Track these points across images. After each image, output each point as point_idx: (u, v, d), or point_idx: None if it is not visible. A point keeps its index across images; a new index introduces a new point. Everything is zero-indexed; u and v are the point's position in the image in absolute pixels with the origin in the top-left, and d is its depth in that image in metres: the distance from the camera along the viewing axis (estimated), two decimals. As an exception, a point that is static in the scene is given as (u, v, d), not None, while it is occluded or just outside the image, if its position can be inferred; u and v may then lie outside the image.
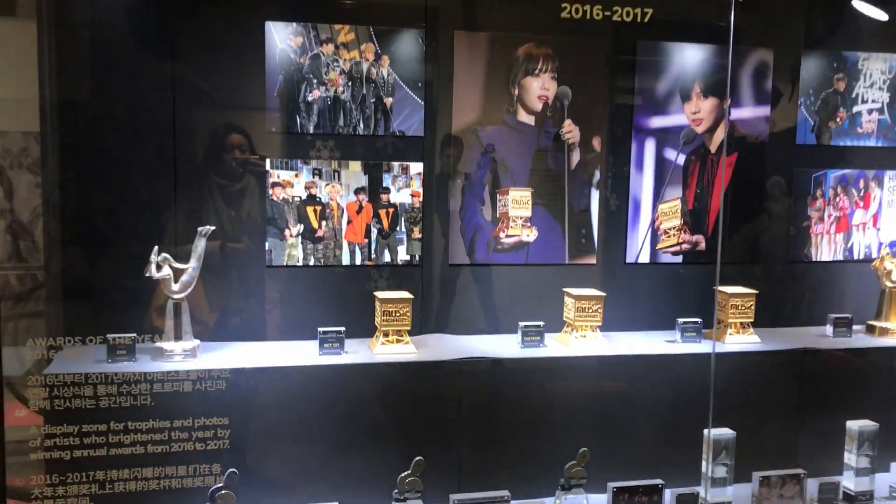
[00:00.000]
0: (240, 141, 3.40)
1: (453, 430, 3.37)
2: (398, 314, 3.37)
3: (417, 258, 3.59)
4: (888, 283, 3.86)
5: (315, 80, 3.41)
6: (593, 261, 3.81)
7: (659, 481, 3.28)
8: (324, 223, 3.48)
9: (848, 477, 3.45)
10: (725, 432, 3.32)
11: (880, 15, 3.71)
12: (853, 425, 3.44)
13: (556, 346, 3.56)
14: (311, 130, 3.43)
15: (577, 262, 3.78)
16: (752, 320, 3.71)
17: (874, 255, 3.99)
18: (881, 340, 3.81)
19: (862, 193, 4.06)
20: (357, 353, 3.33)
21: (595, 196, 3.78)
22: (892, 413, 3.70)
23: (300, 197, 3.44)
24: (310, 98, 3.41)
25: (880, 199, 4.08)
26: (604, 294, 3.58)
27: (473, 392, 3.40)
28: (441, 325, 3.66)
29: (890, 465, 3.52)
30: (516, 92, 3.64)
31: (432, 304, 3.66)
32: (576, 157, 3.74)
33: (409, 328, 3.39)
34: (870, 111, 4.01)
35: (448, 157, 3.60)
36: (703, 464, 3.33)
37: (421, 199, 3.57)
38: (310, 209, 3.47)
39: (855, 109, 4.00)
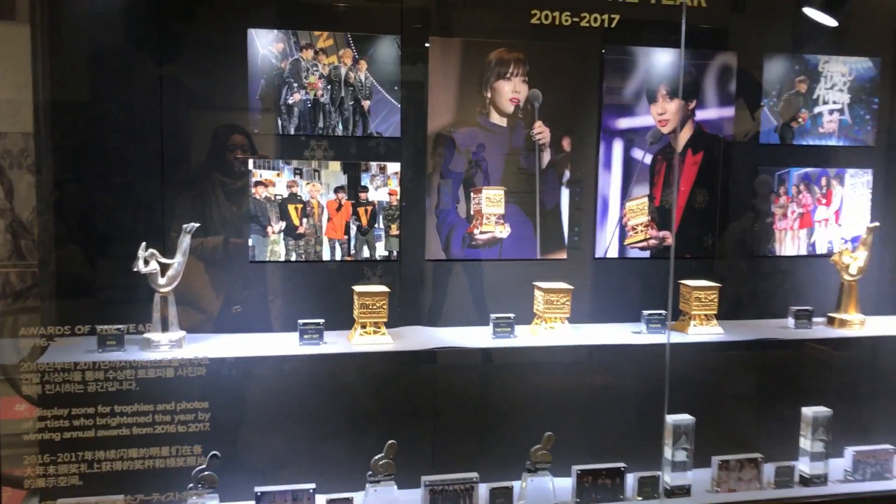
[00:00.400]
0: (228, 141, 3.58)
1: (427, 417, 3.55)
2: (375, 307, 3.55)
3: (395, 254, 3.76)
4: (846, 277, 4.03)
5: (296, 84, 3.59)
6: (564, 256, 3.98)
7: (621, 465, 3.46)
8: (305, 220, 3.66)
9: (804, 461, 3.62)
10: (685, 418, 3.50)
11: (829, 21, 3.87)
12: (808, 412, 3.61)
13: (527, 336, 3.73)
14: (292, 132, 3.60)
15: (549, 258, 3.96)
16: (715, 312, 3.88)
17: (836, 251, 4.15)
18: (840, 331, 3.98)
19: (824, 191, 4.23)
20: (336, 343, 3.50)
21: (565, 194, 3.95)
22: (847, 400, 3.87)
23: (282, 195, 3.62)
24: (291, 101, 3.59)
25: (842, 197, 4.24)
26: (572, 287, 3.75)
27: (446, 380, 3.58)
28: (417, 317, 3.84)
29: (844, 449, 3.68)
30: (489, 95, 3.82)
31: (409, 297, 3.83)
32: (546, 157, 3.91)
33: (385, 320, 3.56)
34: (831, 112, 4.18)
35: (424, 157, 3.78)
36: (664, 448, 3.50)
37: (398, 197, 3.75)
38: (291, 207, 3.64)
39: (816, 110, 4.17)
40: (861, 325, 4.01)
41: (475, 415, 3.63)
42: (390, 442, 3.28)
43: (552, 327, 3.74)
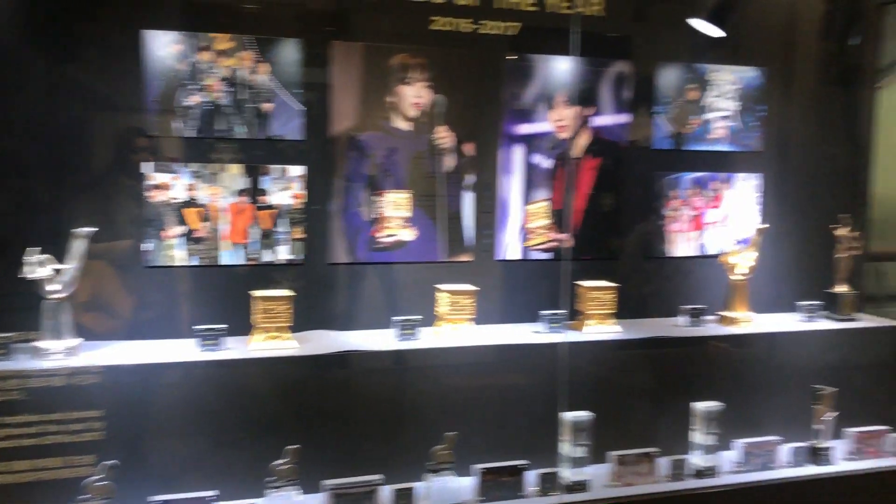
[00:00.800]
0: (124, 144, 3.51)
1: (332, 420, 3.55)
2: (277, 311, 3.53)
3: (298, 257, 3.75)
4: (733, 277, 4.22)
5: (194, 86, 3.54)
6: (469, 258, 4.04)
7: (522, 462, 3.53)
8: (204, 224, 3.61)
9: (696, 454, 3.78)
10: (583, 415, 3.60)
11: (716, 32, 4.06)
12: (700, 406, 3.76)
13: (431, 338, 3.77)
14: (191, 134, 3.55)
15: (454, 260, 4.01)
16: (613, 312, 4.00)
17: (726, 251, 4.33)
18: (729, 329, 4.16)
19: (715, 194, 4.42)
20: (236, 349, 3.47)
21: (469, 198, 4.02)
22: (737, 394, 4.05)
23: (180, 199, 3.56)
24: (189, 103, 3.54)
25: (732, 200, 4.44)
26: (476, 289, 3.82)
27: (351, 383, 3.60)
28: (323, 321, 3.83)
29: (733, 441, 3.85)
30: (392, 99, 3.85)
31: (314, 301, 3.83)
32: (450, 161, 3.97)
33: (289, 324, 3.55)
34: (720, 118, 4.37)
35: (328, 161, 3.78)
36: (562, 445, 3.60)
37: (302, 200, 3.74)
38: (189, 211, 3.59)
39: (707, 117, 4.35)
40: (749, 322, 4.20)
41: (381, 417, 3.66)
42: (291, 447, 3.27)
43: (456, 329, 3.79)
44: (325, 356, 3.51)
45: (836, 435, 4.02)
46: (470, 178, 4.01)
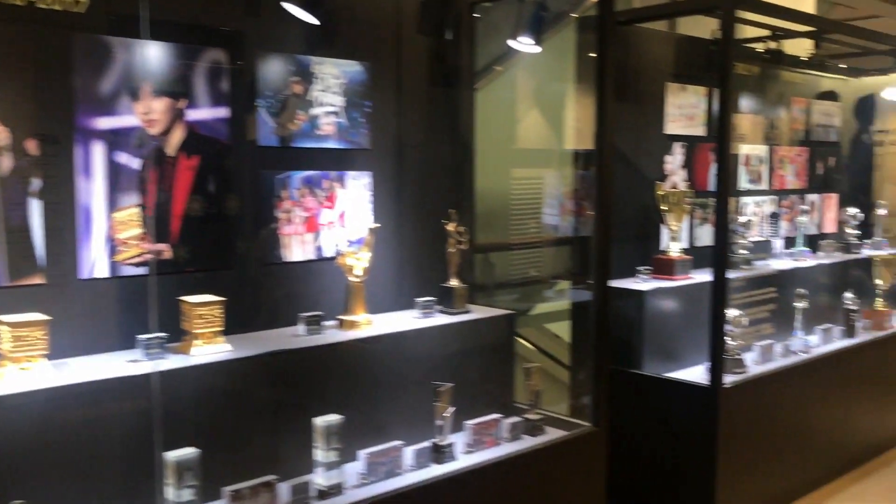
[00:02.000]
0: None
1: None
2: None
3: None
4: (352, 278, 4.05)
5: None
6: (41, 280, 3.35)
7: (118, 519, 2.98)
8: None
9: (319, 473, 3.51)
10: (188, 453, 3.14)
11: (311, 18, 3.84)
12: (319, 421, 3.50)
13: (-10, 383, 3.03)
14: None
15: (19, 284, 3.29)
16: (222, 328, 3.59)
17: (342, 253, 4.14)
18: (350, 333, 3.97)
19: (327, 194, 4.20)
20: None
21: (36, 207, 3.32)
22: (362, 402, 3.88)
23: None
24: None
25: (345, 199, 4.26)
26: (47, 318, 3.15)
27: None
28: None
29: (357, 453, 3.67)
30: (-82, 85, 3.02)
31: None
32: (7, 163, 3.24)
33: None
34: (327, 114, 4.16)
35: None
36: (167, 488, 3.11)
37: None
38: None
39: (313, 112, 4.12)
40: (369, 324, 4.06)
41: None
42: None
43: (26, 368, 3.10)
44: None
45: (457, 429, 4.04)
46: (36, 183, 3.31)
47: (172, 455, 3.10)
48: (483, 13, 5.02)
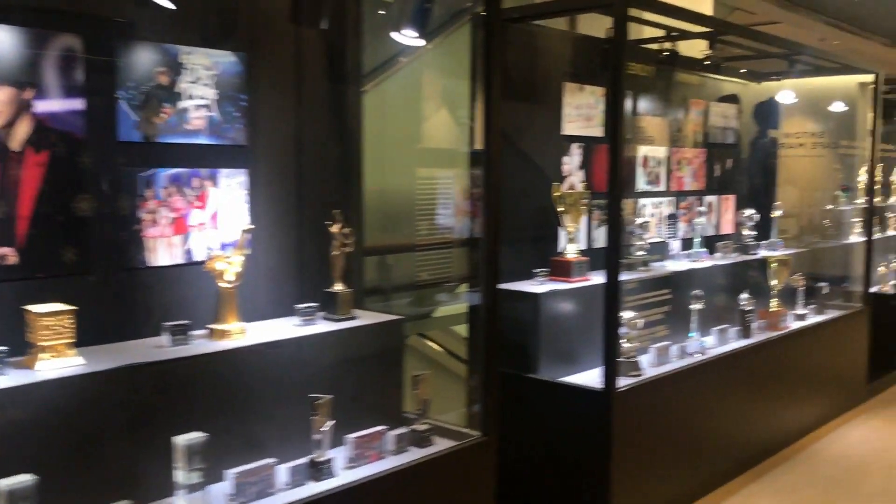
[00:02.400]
0: None
1: None
2: None
3: None
4: (222, 284, 3.78)
5: None
6: None
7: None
8: None
9: (180, 496, 3.24)
10: (23, 480, 2.82)
11: (166, 3, 3.56)
12: (180, 440, 3.22)
13: None
14: None
15: None
16: (73, 340, 3.28)
17: (213, 256, 3.86)
18: (220, 344, 3.70)
19: (198, 193, 3.92)
20: None
21: None
22: (233, 417, 3.62)
23: None
24: None
25: (217, 199, 3.99)
26: None
27: None
28: None
29: (223, 472, 3.41)
30: None
31: None
32: None
33: None
34: (197, 107, 3.88)
35: None
36: (-1, 522, 2.79)
37: None
38: None
39: (181, 105, 3.82)
40: (242, 333, 3.79)
41: None
42: None
43: None
44: None
45: (338, 444, 3.82)
46: None
47: (5, 484, 2.77)
48: (384, 8, 4.82)
